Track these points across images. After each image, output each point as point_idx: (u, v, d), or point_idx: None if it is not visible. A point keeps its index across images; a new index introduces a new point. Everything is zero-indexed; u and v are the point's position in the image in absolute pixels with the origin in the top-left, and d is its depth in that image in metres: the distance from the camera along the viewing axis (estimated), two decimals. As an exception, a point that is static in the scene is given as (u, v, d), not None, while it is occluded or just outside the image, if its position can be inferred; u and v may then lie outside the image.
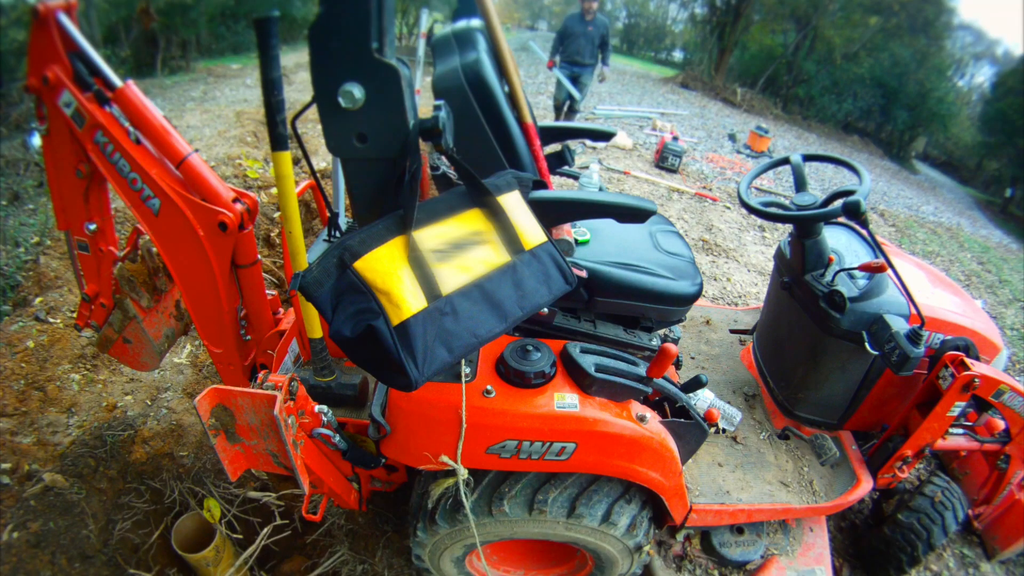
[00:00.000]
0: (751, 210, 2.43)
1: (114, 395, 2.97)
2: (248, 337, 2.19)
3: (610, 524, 1.93)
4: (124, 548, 2.41)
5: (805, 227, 2.38)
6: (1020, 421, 2.45)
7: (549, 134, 2.62)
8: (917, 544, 2.50)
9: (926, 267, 2.87)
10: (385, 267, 1.34)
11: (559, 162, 2.66)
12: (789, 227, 2.54)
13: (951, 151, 27.58)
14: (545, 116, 10.15)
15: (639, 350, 2.18)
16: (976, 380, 2.19)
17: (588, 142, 8.14)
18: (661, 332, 2.41)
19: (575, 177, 2.78)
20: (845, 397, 2.54)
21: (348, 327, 1.31)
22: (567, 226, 2.09)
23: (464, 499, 1.76)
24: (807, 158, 2.60)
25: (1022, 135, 21.04)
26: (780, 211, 2.40)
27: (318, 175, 2.04)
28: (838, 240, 2.64)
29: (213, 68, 12.01)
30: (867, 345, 2.24)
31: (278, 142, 1.64)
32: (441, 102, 1.46)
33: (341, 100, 1.32)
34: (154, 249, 2.23)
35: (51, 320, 3.25)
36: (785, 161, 2.60)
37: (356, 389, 2.10)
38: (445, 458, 1.71)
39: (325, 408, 1.77)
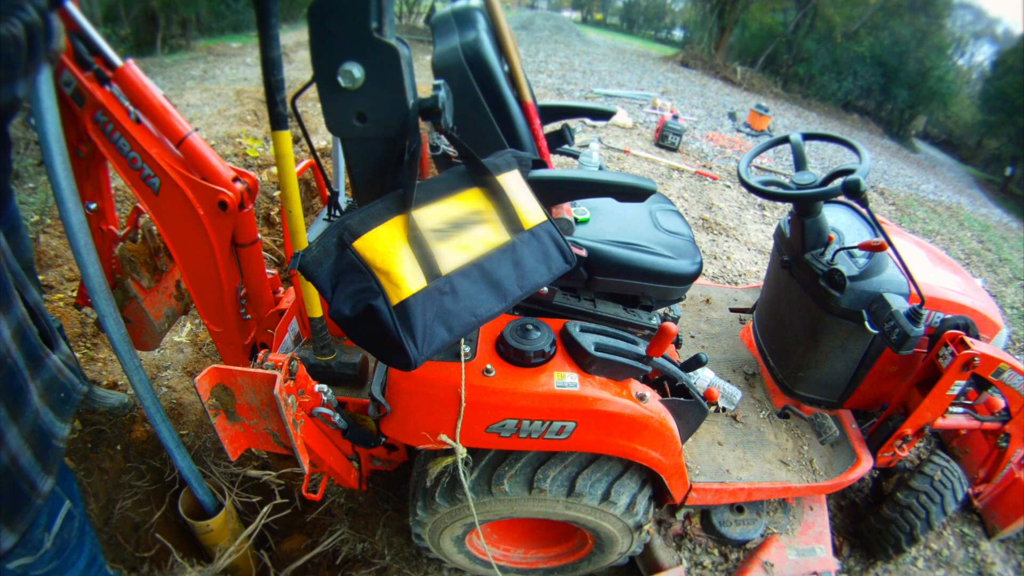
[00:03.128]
0: (751, 189, 2.42)
1: (114, 373, 2.96)
2: (248, 316, 2.19)
3: (610, 503, 1.94)
4: (125, 527, 2.43)
5: (805, 206, 2.37)
6: (1020, 400, 2.46)
7: (549, 113, 2.60)
8: (916, 523, 2.52)
9: (926, 246, 2.86)
10: (384, 246, 1.34)
11: (559, 141, 2.65)
12: (789, 206, 2.54)
13: (951, 130, 27.55)
14: (545, 95, 10.09)
15: (639, 329, 2.18)
16: (976, 359, 2.19)
17: (588, 121, 8.10)
18: (661, 311, 2.40)
19: (575, 156, 2.76)
20: (845, 376, 2.55)
21: (347, 306, 1.31)
22: (567, 205, 2.08)
23: (463, 478, 1.77)
24: (807, 137, 2.58)
25: (1022, 114, 20.98)
26: (780, 190, 2.39)
27: (318, 154, 2.03)
28: (838, 219, 2.63)
29: (213, 47, 11.91)
30: (867, 324, 2.24)
31: (278, 121, 1.63)
32: (441, 81, 1.45)
33: (341, 80, 1.31)
34: (154, 229, 2.22)
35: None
36: (785, 140, 2.59)
37: (356, 368, 2.11)
38: (444, 437, 1.72)
39: (325, 387, 1.77)
